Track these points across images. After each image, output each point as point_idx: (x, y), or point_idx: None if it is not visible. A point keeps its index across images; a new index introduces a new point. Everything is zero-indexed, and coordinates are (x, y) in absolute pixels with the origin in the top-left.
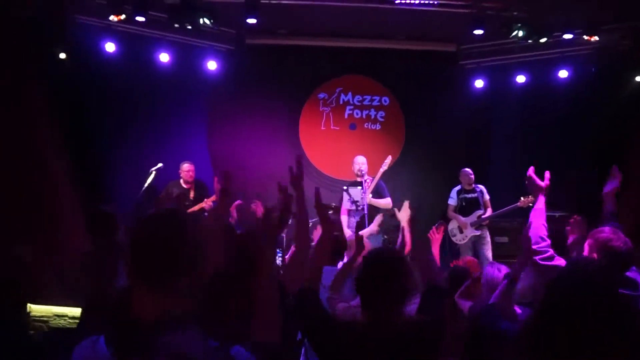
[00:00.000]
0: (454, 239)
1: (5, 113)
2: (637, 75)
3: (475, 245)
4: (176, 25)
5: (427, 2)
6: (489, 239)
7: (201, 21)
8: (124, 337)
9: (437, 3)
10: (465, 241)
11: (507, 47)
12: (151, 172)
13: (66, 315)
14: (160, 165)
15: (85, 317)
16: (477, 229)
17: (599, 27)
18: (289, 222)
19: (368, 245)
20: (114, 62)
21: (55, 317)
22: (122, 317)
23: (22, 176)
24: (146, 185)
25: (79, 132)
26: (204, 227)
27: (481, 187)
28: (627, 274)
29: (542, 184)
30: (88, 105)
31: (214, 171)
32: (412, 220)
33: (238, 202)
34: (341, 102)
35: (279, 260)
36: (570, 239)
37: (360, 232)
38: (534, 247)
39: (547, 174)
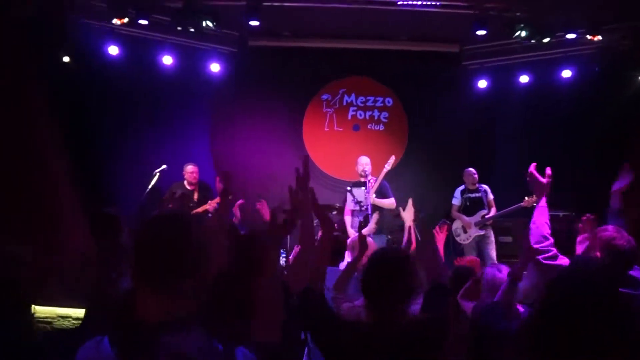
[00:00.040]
0: (457, 238)
1: (6, 114)
2: (639, 75)
3: (479, 245)
4: (179, 28)
5: (429, 3)
6: (493, 238)
7: (204, 24)
8: (128, 338)
9: (440, 4)
10: (469, 241)
11: (510, 48)
12: (155, 174)
13: (70, 317)
14: (164, 167)
15: (87, 318)
16: (481, 228)
17: (600, 27)
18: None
19: (372, 245)
20: (117, 65)
21: (59, 319)
22: (126, 318)
23: (23, 176)
24: (150, 187)
25: (83, 134)
26: (207, 228)
27: (485, 186)
28: (630, 272)
29: (544, 180)
30: (92, 107)
31: (217, 173)
32: (416, 219)
33: (240, 201)
34: (344, 103)
35: (282, 261)
36: (580, 238)
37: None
38: (536, 246)
39: (548, 170)
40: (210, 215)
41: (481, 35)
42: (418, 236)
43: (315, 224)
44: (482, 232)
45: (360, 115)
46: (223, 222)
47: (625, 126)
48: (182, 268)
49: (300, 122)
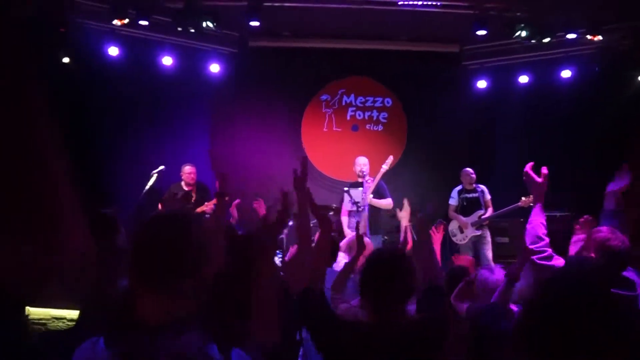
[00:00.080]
0: (454, 239)
1: (5, 114)
2: (639, 75)
3: (476, 245)
4: (179, 29)
5: (429, 3)
6: (489, 239)
7: (204, 24)
8: (126, 339)
9: (440, 4)
10: (465, 241)
11: (510, 48)
12: (153, 175)
13: (64, 318)
14: (162, 167)
15: (83, 318)
16: (477, 229)
17: (599, 27)
18: (288, 224)
19: (370, 245)
20: (117, 66)
21: (54, 320)
22: (125, 319)
23: (22, 176)
24: (147, 187)
25: (83, 134)
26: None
27: (482, 187)
28: (624, 274)
29: (539, 180)
30: (91, 107)
31: (215, 174)
32: (412, 219)
33: (237, 201)
34: (343, 104)
35: (278, 261)
36: (574, 238)
37: (342, 243)
38: (531, 246)
39: (544, 170)
40: (207, 216)
41: (481, 35)
42: (414, 236)
43: (312, 225)
44: (478, 233)
45: (359, 115)
46: (220, 223)
47: (625, 126)
48: (181, 268)
49: (299, 122)
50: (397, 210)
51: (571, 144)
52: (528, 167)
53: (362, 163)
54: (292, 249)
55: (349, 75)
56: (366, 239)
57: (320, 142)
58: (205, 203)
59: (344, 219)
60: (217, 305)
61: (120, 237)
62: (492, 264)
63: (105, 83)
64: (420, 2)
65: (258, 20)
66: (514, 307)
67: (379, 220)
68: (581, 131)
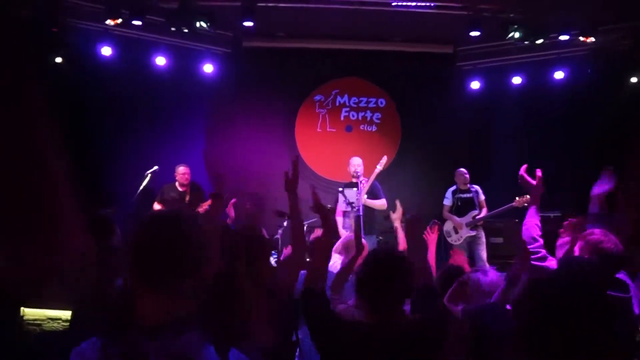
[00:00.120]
0: (449, 239)
1: (5, 114)
2: (633, 76)
3: (471, 245)
4: (173, 29)
5: (423, 4)
6: (484, 239)
7: (198, 24)
8: (126, 339)
9: (434, 5)
10: (460, 242)
11: (504, 49)
12: (146, 175)
13: (60, 319)
14: (155, 168)
15: (79, 319)
16: (472, 229)
17: (596, 28)
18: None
19: (366, 246)
20: (110, 66)
21: (49, 321)
22: (125, 319)
23: (22, 176)
24: (141, 188)
25: (75, 134)
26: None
27: (477, 187)
28: (618, 275)
29: (534, 182)
30: (84, 108)
31: (209, 173)
32: (403, 220)
33: (233, 200)
34: (337, 104)
35: (274, 262)
36: (560, 241)
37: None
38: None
39: (538, 172)
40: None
41: (475, 37)
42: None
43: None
44: (473, 233)
45: (353, 116)
46: (215, 224)
47: (619, 127)
48: (181, 268)
49: (293, 122)
50: (391, 212)
51: (565, 144)
52: (522, 170)
53: (356, 163)
54: (286, 250)
55: (342, 76)
56: (363, 241)
57: (314, 142)
58: (200, 205)
59: (339, 219)
60: (216, 305)
61: (115, 237)
62: (487, 264)
63: (98, 83)
64: (414, 3)
65: (252, 21)
66: (508, 307)
67: (373, 220)
68: (575, 132)
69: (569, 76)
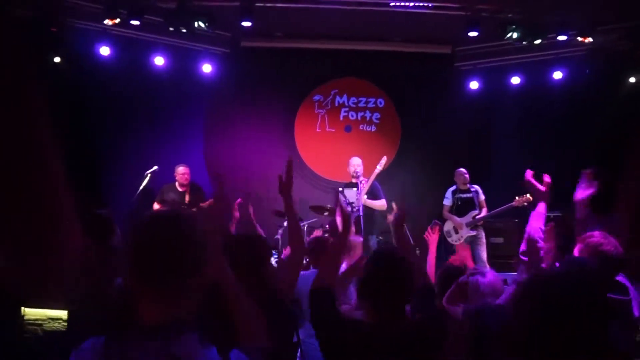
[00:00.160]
0: (449, 239)
1: (5, 114)
2: (631, 76)
3: (471, 245)
4: (171, 29)
5: (422, 4)
6: (484, 240)
7: (196, 24)
8: (126, 339)
9: (432, 5)
10: (460, 242)
11: (502, 49)
12: (146, 175)
13: (60, 319)
14: (155, 168)
15: (78, 319)
16: (472, 229)
17: (594, 28)
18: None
19: (359, 245)
20: (109, 66)
21: (50, 320)
22: (125, 319)
23: (20, 177)
24: (141, 188)
25: (75, 134)
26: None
27: (476, 187)
28: (617, 278)
29: (542, 188)
30: (83, 108)
31: (209, 174)
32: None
33: (239, 200)
34: (336, 104)
35: (274, 262)
36: (544, 249)
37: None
38: (524, 248)
39: (546, 178)
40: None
41: (473, 37)
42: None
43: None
44: (473, 233)
45: (352, 116)
46: (215, 224)
47: (617, 127)
48: (181, 268)
49: (292, 122)
50: (388, 215)
51: (564, 144)
52: (529, 175)
53: (356, 164)
54: (286, 251)
55: (341, 76)
56: (356, 239)
57: (314, 142)
58: (200, 204)
59: (339, 220)
60: (217, 305)
61: (115, 237)
62: (487, 265)
63: (97, 83)
64: (412, 4)
65: (250, 21)
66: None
67: (373, 220)
68: (574, 132)
69: (567, 76)
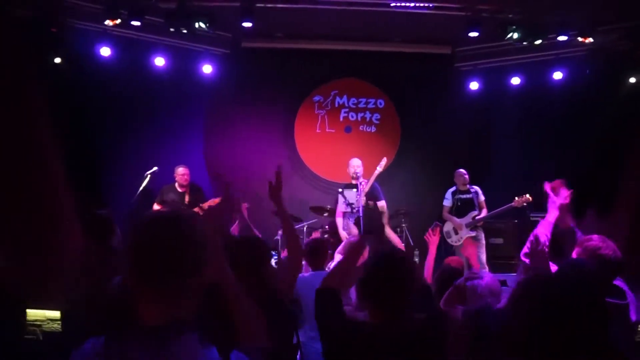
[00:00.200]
0: (449, 240)
1: (5, 114)
2: (631, 76)
3: None
4: (171, 30)
5: (422, 4)
6: (483, 241)
7: (197, 25)
8: (126, 340)
9: (432, 6)
10: (460, 242)
11: (503, 49)
12: (146, 176)
13: (59, 319)
14: (155, 168)
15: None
16: (472, 229)
17: (594, 28)
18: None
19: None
20: (109, 67)
21: (49, 321)
22: (125, 319)
23: (20, 177)
24: (141, 188)
25: (75, 135)
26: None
27: (476, 188)
28: (614, 282)
29: (559, 200)
30: (83, 108)
31: (209, 174)
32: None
33: (245, 204)
34: (336, 105)
35: (274, 263)
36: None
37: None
38: (527, 251)
39: (564, 192)
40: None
41: (473, 37)
42: (410, 240)
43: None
44: (473, 234)
45: (352, 116)
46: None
47: (617, 127)
48: (181, 268)
49: (292, 123)
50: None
51: (564, 144)
52: (547, 187)
53: (356, 165)
54: (285, 252)
55: (341, 77)
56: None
57: (314, 143)
58: (199, 205)
59: (339, 220)
60: (217, 306)
61: (115, 237)
62: (486, 266)
63: (97, 84)
64: (412, 4)
65: (251, 21)
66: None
67: (372, 222)
68: (574, 132)
69: (567, 76)
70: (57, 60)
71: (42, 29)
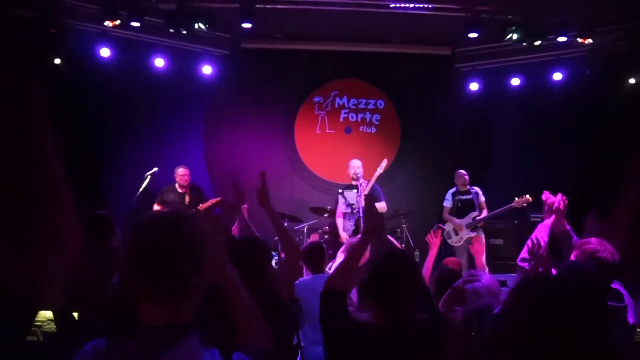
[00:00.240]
0: (449, 241)
1: (5, 114)
2: (631, 77)
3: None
4: (171, 31)
5: (421, 5)
6: (483, 241)
7: (196, 26)
8: (127, 341)
9: (432, 7)
10: (460, 243)
11: (502, 50)
12: (146, 177)
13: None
14: (155, 169)
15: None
16: (472, 230)
17: (594, 29)
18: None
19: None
20: (109, 67)
21: (49, 322)
22: (126, 321)
23: (19, 177)
24: (141, 189)
25: (75, 135)
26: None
27: (476, 189)
28: (612, 285)
29: (561, 207)
30: (83, 109)
31: (209, 175)
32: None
33: (245, 206)
34: (336, 106)
35: (274, 264)
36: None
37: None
38: (524, 255)
39: (559, 197)
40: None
41: (473, 38)
42: (411, 241)
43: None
44: (473, 234)
45: (352, 117)
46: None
47: (617, 128)
48: (181, 269)
49: (292, 124)
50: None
51: (564, 145)
52: (545, 195)
53: (356, 165)
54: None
55: (341, 77)
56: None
57: (314, 144)
58: (200, 205)
59: (339, 221)
60: (217, 306)
61: (115, 238)
62: (485, 267)
63: (97, 85)
64: (412, 5)
65: (250, 22)
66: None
67: None
68: (574, 133)
69: (567, 77)
70: (57, 61)
71: (42, 29)
